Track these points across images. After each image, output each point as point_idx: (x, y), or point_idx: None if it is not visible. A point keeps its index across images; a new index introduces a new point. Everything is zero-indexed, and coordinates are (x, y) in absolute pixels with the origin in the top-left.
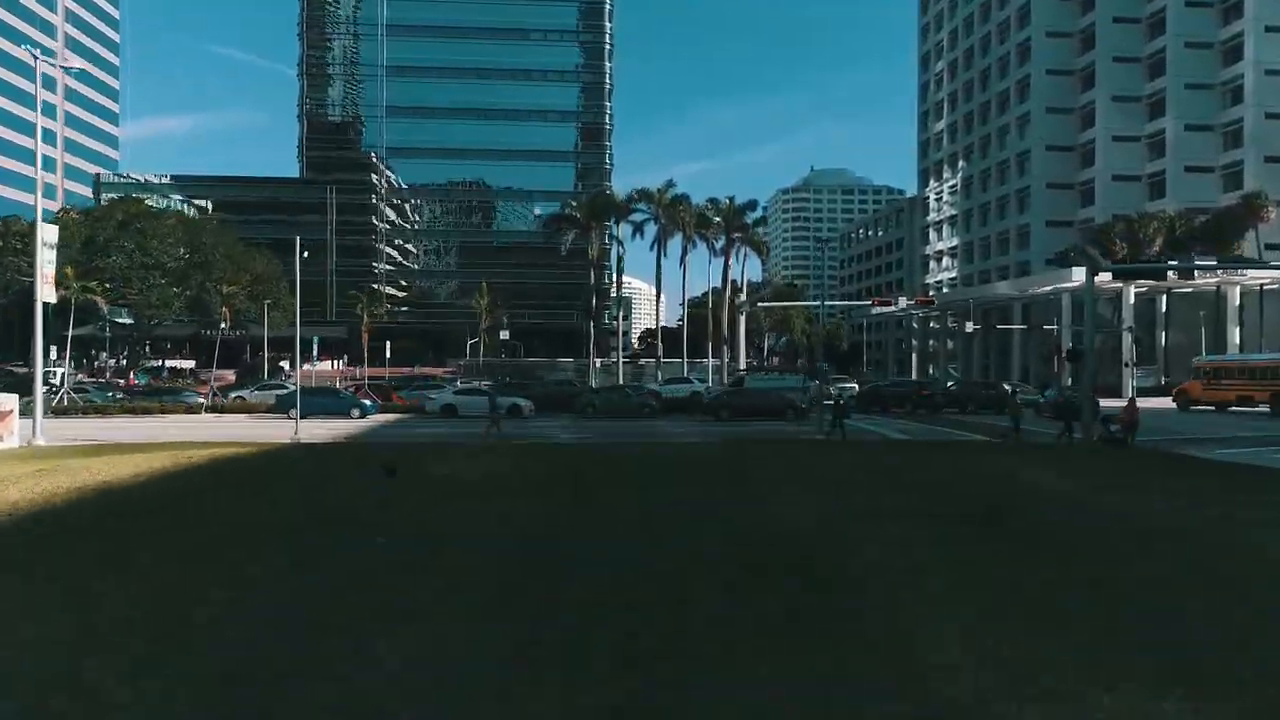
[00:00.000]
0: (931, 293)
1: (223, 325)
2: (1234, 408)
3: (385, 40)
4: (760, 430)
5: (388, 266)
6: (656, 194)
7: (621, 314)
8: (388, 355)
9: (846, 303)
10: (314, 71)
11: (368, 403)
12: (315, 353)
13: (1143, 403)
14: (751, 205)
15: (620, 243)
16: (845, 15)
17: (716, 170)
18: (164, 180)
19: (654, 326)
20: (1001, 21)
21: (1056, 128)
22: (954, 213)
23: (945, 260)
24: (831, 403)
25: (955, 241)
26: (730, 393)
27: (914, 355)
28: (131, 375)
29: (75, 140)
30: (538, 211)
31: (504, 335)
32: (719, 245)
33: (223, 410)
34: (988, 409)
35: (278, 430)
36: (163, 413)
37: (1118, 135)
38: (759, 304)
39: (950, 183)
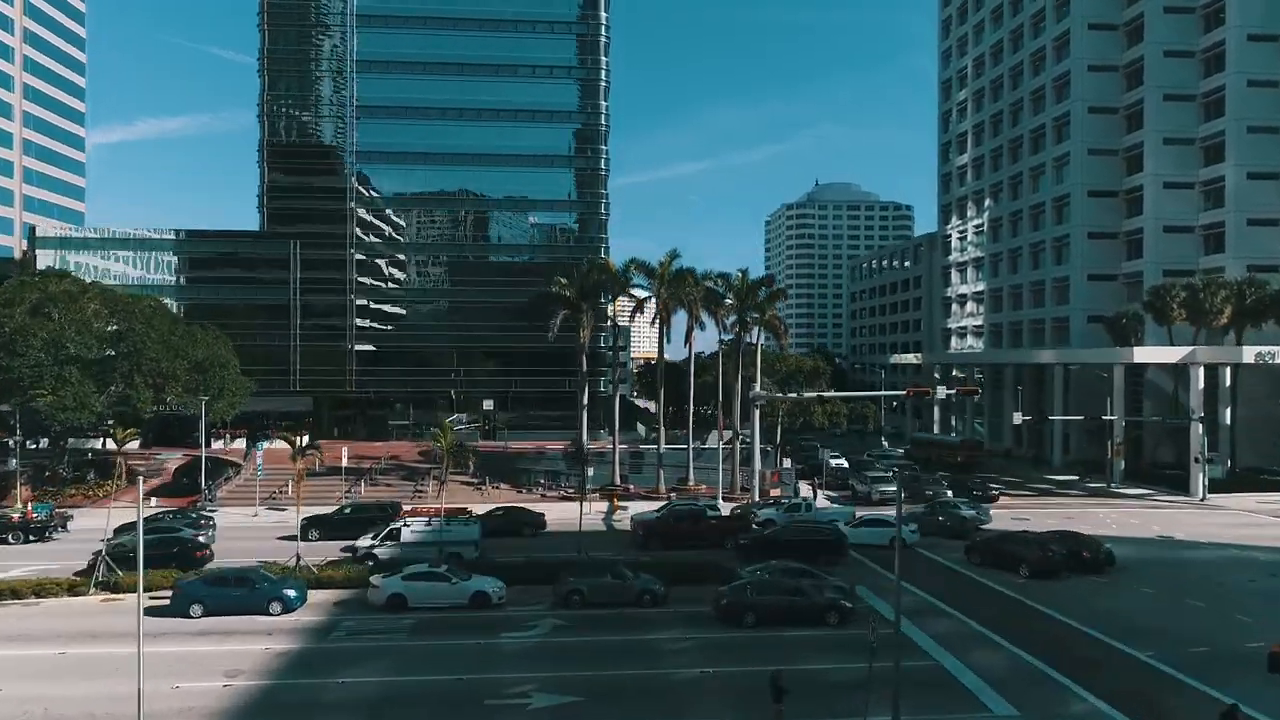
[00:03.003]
0: (954, 341)
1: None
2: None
3: (357, 60)
4: (804, 673)
5: (359, 321)
6: (658, 267)
7: (618, 401)
8: (355, 426)
9: (874, 393)
10: (275, 105)
11: (292, 593)
12: (259, 462)
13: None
14: (768, 280)
15: (616, 324)
16: (847, 18)
17: (715, 170)
18: (108, 235)
19: (653, 355)
20: (1035, 51)
21: (1099, 171)
22: (980, 255)
23: (970, 305)
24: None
25: (981, 286)
26: (758, 587)
27: (935, 409)
28: (29, 507)
29: (35, 169)
30: (533, 219)
31: (487, 405)
32: (730, 321)
33: (117, 589)
34: (1047, 572)
35: (151, 664)
36: (37, 595)
37: (1169, 181)
38: (775, 395)
39: (975, 222)
